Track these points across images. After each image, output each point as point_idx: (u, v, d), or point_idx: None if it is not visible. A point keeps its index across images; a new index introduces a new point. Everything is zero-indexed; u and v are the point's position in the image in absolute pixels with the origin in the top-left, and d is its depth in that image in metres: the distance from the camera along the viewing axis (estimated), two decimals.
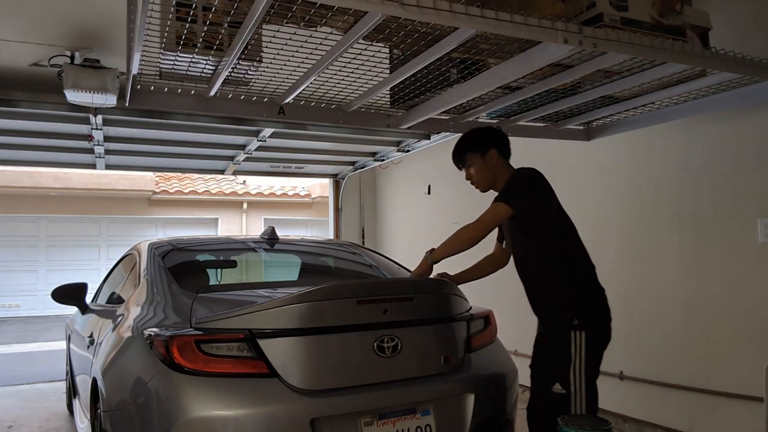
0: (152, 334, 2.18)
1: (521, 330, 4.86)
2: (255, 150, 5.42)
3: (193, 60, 2.48)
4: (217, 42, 2.32)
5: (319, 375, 2.13)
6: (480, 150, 2.61)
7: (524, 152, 4.91)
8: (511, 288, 5.04)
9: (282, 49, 2.45)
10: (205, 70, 2.63)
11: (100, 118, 4.23)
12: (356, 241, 7.24)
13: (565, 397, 2.30)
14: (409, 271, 3.22)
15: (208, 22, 2.17)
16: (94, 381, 2.61)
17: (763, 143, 3.17)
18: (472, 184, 2.71)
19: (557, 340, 2.39)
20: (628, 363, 3.93)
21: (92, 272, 11.54)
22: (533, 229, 2.49)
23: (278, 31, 2.26)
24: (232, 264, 3.45)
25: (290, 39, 2.34)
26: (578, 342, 2.32)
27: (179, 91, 2.92)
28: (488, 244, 2.71)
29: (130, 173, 11.81)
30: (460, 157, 2.66)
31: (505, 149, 2.69)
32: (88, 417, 2.93)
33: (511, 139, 2.77)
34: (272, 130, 4.69)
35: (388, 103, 3.34)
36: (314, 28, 2.23)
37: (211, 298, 2.49)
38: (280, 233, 3.40)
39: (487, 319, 2.75)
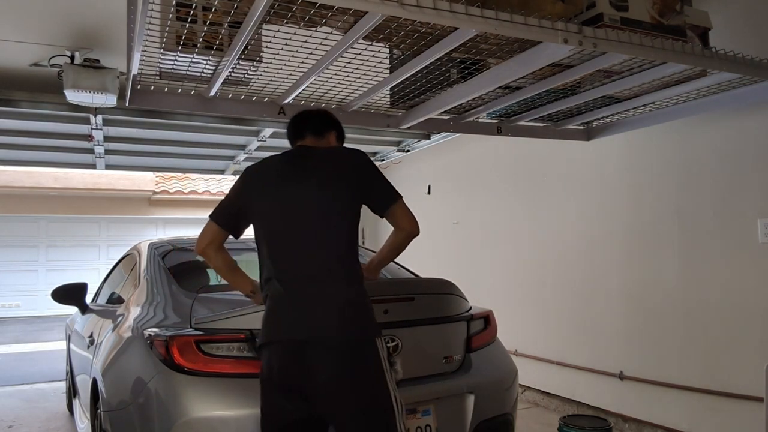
0: (152, 334, 2.18)
1: (521, 330, 4.88)
2: (255, 150, 5.42)
3: (193, 60, 2.48)
4: (217, 42, 2.31)
5: None
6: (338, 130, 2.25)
7: (524, 152, 4.94)
8: (511, 288, 5.06)
9: (282, 49, 2.45)
10: (205, 70, 2.63)
11: (100, 118, 4.23)
12: None
13: None
14: (410, 271, 3.23)
15: (208, 22, 2.17)
16: (94, 381, 2.61)
17: (763, 143, 3.17)
18: None
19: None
20: (628, 363, 3.93)
21: (92, 272, 11.52)
22: None
23: (278, 31, 2.26)
24: None
25: (290, 39, 2.34)
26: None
27: (179, 91, 2.92)
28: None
29: (130, 173, 11.81)
30: (328, 125, 2.21)
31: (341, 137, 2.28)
32: (88, 417, 2.93)
33: (511, 139, 2.76)
34: (272, 130, 4.69)
35: (388, 103, 3.34)
36: (314, 28, 2.22)
37: (211, 298, 2.49)
38: None
39: (487, 319, 2.75)
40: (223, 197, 2.14)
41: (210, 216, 2.07)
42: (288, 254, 1.94)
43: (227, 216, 2.08)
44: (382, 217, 2.04)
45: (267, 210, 2.00)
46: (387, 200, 2.01)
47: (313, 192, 1.95)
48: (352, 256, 1.97)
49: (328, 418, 1.86)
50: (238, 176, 2.12)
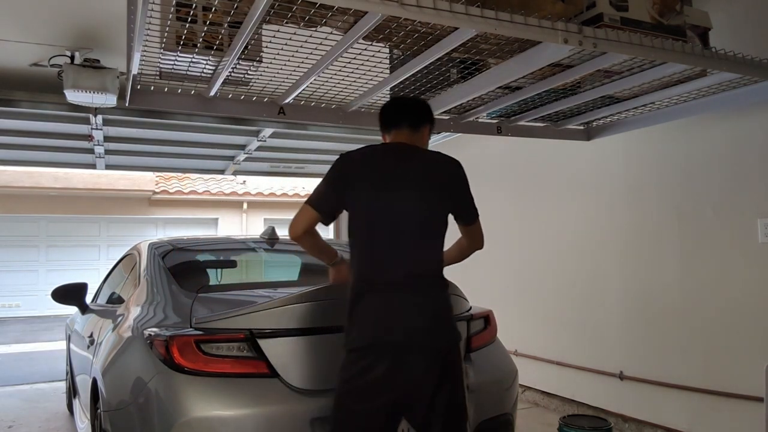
0: (152, 334, 2.18)
1: (521, 330, 4.88)
2: (255, 150, 5.42)
3: (193, 60, 2.48)
4: (217, 42, 2.32)
5: (319, 375, 2.13)
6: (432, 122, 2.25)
7: (524, 152, 4.93)
8: (511, 288, 5.06)
9: (282, 49, 2.45)
10: (205, 70, 2.63)
11: (100, 118, 4.23)
12: None
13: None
14: None
15: (208, 22, 2.17)
16: (94, 381, 2.61)
17: (763, 143, 3.17)
18: None
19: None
20: (628, 363, 3.93)
21: (92, 272, 11.52)
22: None
23: (278, 31, 2.26)
24: (232, 264, 3.46)
25: (290, 39, 2.34)
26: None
27: (179, 91, 2.92)
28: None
29: (130, 173, 11.82)
30: (424, 117, 2.20)
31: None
32: (88, 417, 2.93)
33: (511, 139, 2.76)
34: (272, 130, 4.69)
35: None
36: (314, 28, 2.22)
37: (211, 298, 2.49)
38: (280, 233, 3.40)
39: (487, 319, 2.75)
40: (318, 182, 2.09)
41: (307, 202, 2.04)
42: (389, 256, 1.95)
43: (325, 202, 2.04)
44: (462, 226, 2.18)
45: (368, 206, 2.00)
46: (472, 216, 2.17)
47: (417, 198, 2.00)
48: (442, 262, 2.07)
49: (413, 420, 1.92)
50: (333, 162, 2.07)
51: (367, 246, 1.99)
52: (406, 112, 2.18)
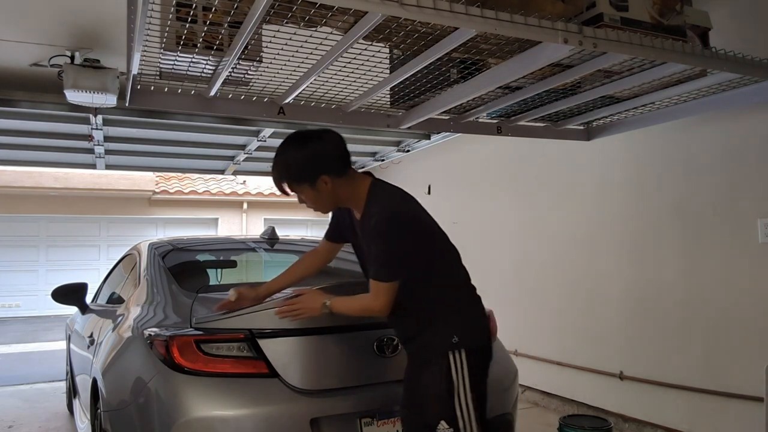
0: (152, 334, 2.18)
1: (521, 330, 4.88)
2: (255, 150, 5.42)
3: (193, 60, 2.48)
4: (217, 42, 2.31)
5: (319, 375, 2.13)
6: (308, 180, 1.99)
7: (525, 152, 4.93)
8: (511, 288, 5.06)
9: (282, 49, 2.45)
10: (205, 70, 2.63)
11: (100, 118, 4.23)
12: None
13: None
14: None
15: (208, 22, 2.17)
16: (94, 381, 2.61)
17: (763, 143, 3.17)
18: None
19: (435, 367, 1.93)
20: (628, 363, 3.93)
21: (92, 272, 11.52)
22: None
23: (278, 31, 2.26)
24: (232, 264, 3.46)
25: (290, 39, 2.34)
26: (459, 363, 1.89)
27: (179, 91, 2.92)
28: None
29: (130, 173, 11.80)
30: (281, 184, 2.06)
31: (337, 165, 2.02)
32: (88, 417, 2.93)
33: (511, 139, 2.76)
34: (272, 130, 4.69)
35: (388, 103, 3.34)
36: (314, 28, 2.22)
37: (211, 298, 2.49)
38: (280, 233, 3.40)
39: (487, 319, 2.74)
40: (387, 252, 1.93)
41: (392, 278, 1.91)
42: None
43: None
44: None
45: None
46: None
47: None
48: None
49: None
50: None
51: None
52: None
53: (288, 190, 2.04)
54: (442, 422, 1.85)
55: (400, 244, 1.91)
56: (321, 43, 2.37)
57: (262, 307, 2.16)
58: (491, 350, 2.05)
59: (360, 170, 2.12)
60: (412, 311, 1.97)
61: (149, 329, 2.24)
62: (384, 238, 1.91)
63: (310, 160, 1.96)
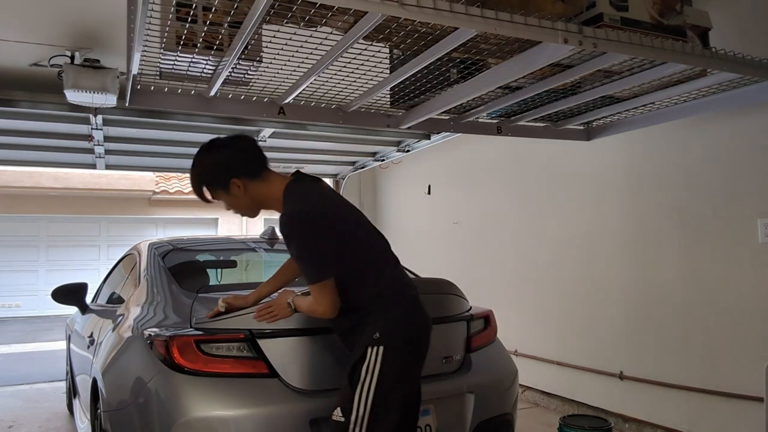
0: (152, 334, 2.18)
1: (521, 330, 4.88)
2: None
3: (193, 60, 2.48)
4: (217, 42, 2.31)
5: (319, 375, 2.13)
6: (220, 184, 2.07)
7: (524, 152, 4.93)
8: (511, 288, 5.06)
9: (282, 49, 2.45)
10: (205, 70, 2.63)
11: (100, 118, 4.23)
12: None
13: (342, 426, 1.87)
14: (410, 271, 3.22)
15: (208, 22, 2.17)
16: (94, 381, 2.61)
17: (763, 143, 3.17)
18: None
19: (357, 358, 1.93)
20: (628, 363, 3.93)
21: (92, 272, 11.53)
22: None
23: (278, 31, 2.26)
24: (232, 264, 3.46)
25: (290, 39, 2.34)
26: (373, 359, 1.87)
27: (179, 91, 2.92)
28: None
29: (130, 173, 11.82)
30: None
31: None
32: (88, 417, 2.93)
33: (511, 139, 2.76)
34: (272, 130, 4.69)
35: (388, 103, 3.34)
36: (314, 28, 2.22)
37: (211, 298, 2.49)
38: (280, 233, 3.40)
39: (487, 319, 2.75)
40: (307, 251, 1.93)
41: (322, 277, 1.89)
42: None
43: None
44: None
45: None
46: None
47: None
48: None
49: None
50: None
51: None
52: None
53: (208, 196, 2.09)
54: (338, 409, 1.90)
55: (314, 243, 1.91)
56: (321, 43, 2.37)
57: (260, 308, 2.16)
58: (423, 342, 1.99)
59: (291, 172, 2.14)
60: (342, 308, 1.95)
61: (149, 329, 2.24)
62: (293, 239, 1.93)
63: (219, 164, 2.06)
